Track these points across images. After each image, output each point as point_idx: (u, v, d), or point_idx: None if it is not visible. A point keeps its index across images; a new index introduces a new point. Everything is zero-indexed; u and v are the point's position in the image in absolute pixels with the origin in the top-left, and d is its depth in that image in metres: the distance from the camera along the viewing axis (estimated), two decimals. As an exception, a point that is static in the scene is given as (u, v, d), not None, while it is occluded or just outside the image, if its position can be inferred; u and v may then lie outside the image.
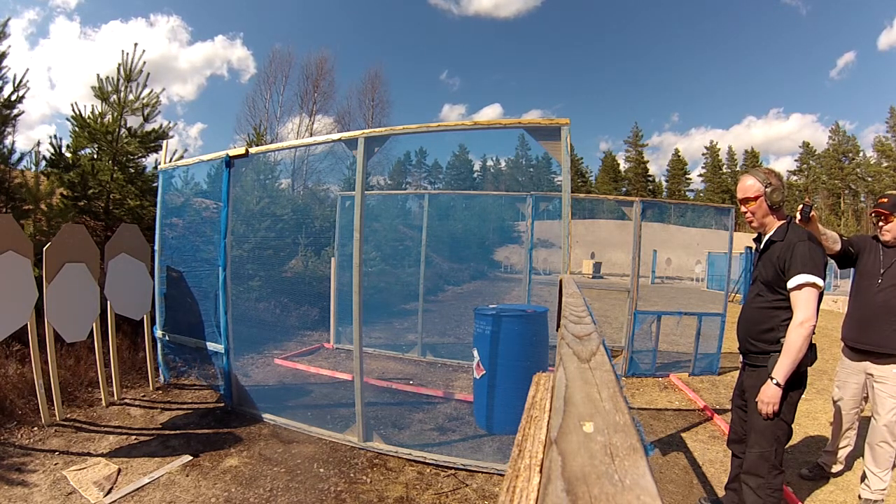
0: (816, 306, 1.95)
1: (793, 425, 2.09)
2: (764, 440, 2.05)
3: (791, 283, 1.97)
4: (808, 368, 2.08)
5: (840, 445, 2.94)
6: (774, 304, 2.07)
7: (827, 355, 6.51)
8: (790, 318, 1.99)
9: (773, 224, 2.14)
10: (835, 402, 2.92)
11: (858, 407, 2.83)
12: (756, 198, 2.12)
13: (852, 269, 2.79)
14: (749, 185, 2.15)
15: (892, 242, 2.59)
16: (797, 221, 2.32)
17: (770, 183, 2.10)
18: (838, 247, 2.67)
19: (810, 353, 2.03)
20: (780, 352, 2.00)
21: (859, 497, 2.66)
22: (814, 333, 1.97)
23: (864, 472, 2.68)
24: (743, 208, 2.20)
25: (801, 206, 2.40)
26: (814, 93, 71.43)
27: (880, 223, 2.61)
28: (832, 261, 2.71)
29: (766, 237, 2.16)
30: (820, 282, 1.94)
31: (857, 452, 2.99)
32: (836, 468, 2.97)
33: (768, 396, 2.00)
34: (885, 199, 2.60)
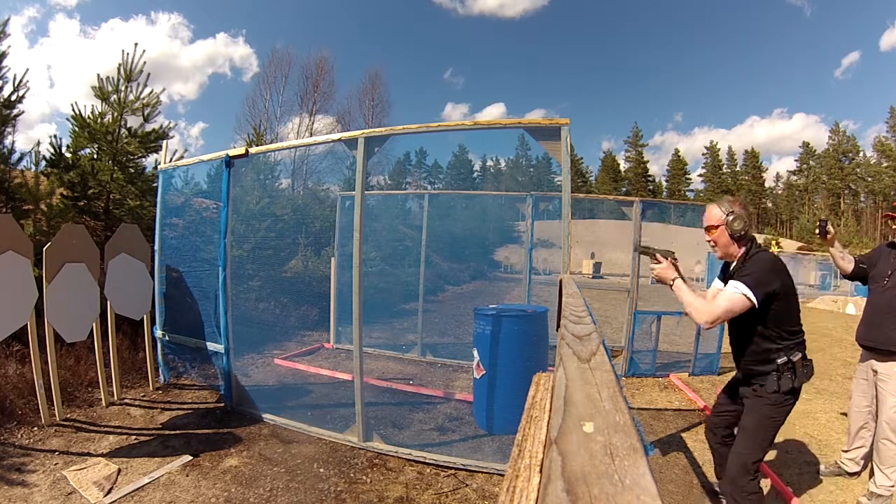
0: (731, 310, 1.97)
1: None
2: (751, 445, 2.08)
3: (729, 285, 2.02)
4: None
5: (855, 445, 2.94)
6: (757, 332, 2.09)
7: (828, 356, 6.52)
8: (775, 347, 2.05)
9: (737, 253, 2.14)
10: (850, 401, 2.96)
11: (870, 405, 2.84)
12: (717, 226, 2.14)
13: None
14: (713, 213, 2.16)
15: None
16: (817, 236, 2.59)
17: (732, 211, 2.10)
18: (851, 266, 2.82)
19: (805, 371, 2.07)
20: (777, 371, 2.04)
21: (867, 490, 2.67)
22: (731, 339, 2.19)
23: (871, 468, 2.70)
24: (706, 236, 2.22)
25: (818, 223, 2.64)
26: (818, 93, 71.41)
27: (893, 226, 2.74)
28: (837, 269, 2.87)
29: (731, 266, 2.18)
30: (749, 294, 1.94)
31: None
32: (852, 468, 2.96)
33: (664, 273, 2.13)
34: None
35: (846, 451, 2.98)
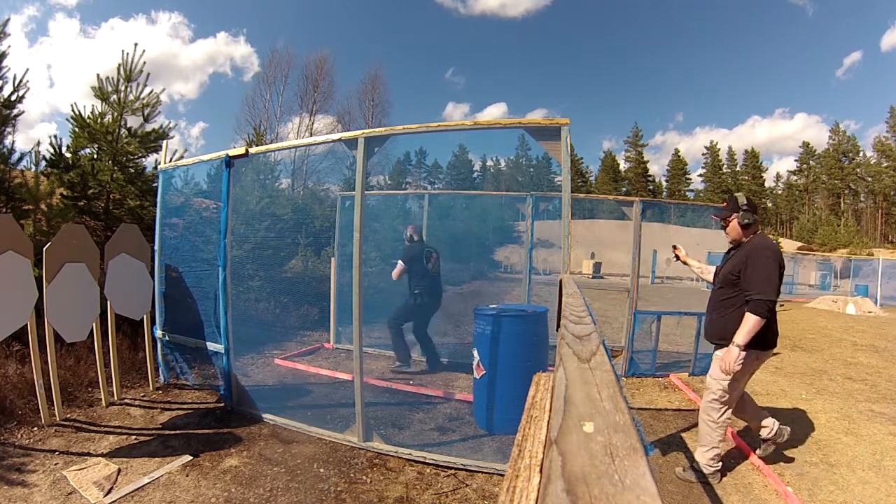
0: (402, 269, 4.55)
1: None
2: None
3: None
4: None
5: (763, 424, 3.00)
6: None
7: (827, 355, 6.52)
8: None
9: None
10: None
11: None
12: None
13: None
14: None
15: (732, 243, 2.82)
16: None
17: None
18: (711, 276, 3.11)
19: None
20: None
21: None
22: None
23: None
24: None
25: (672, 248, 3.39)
26: (820, 93, 71.33)
27: (723, 228, 2.88)
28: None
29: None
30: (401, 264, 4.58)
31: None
32: (765, 434, 2.97)
33: None
34: (725, 204, 2.84)
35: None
